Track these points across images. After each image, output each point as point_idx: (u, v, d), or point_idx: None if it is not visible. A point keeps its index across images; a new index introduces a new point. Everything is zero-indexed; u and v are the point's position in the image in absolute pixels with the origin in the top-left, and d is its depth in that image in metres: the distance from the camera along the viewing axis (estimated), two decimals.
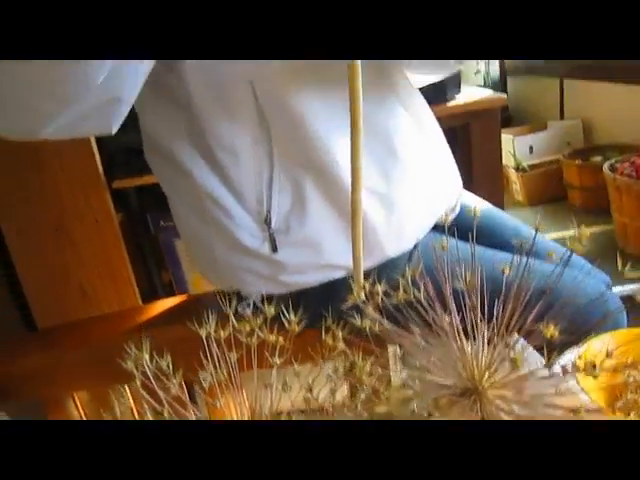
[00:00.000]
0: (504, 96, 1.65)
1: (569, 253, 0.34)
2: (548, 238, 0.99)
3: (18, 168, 1.29)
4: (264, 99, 0.67)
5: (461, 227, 0.89)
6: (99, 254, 1.35)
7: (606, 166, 2.18)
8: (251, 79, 0.65)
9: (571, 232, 2.37)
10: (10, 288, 1.43)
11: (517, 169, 2.68)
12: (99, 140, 1.33)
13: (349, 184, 0.72)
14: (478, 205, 1.00)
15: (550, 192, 2.65)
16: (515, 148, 2.71)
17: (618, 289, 1.81)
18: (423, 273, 0.46)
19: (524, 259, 0.36)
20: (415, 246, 0.80)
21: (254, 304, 0.80)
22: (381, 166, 0.74)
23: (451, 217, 0.91)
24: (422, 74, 0.88)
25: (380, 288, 0.44)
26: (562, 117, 3.01)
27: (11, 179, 1.30)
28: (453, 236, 0.95)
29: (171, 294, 1.64)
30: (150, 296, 1.59)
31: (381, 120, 0.75)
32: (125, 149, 1.39)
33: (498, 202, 1.83)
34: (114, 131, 0.62)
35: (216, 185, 0.73)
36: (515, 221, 0.98)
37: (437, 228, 0.84)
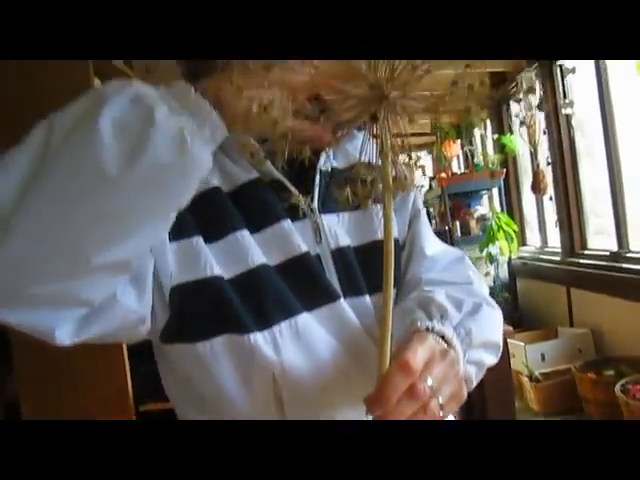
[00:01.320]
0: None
1: None
2: None
3: (53, 384, 1.37)
4: (283, 385, 0.74)
5: None
6: None
7: (618, 387, 2.20)
8: (274, 371, 0.73)
9: None
10: None
11: (530, 378, 2.71)
12: (131, 366, 1.42)
13: None
14: None
15: (565, 403, 2.64)
16: (527, 356, 2.76)
17: None
18: None
19: None
20: None
21: None
22: None
23: None
24: None
25: None
26: (571, 324, 3.10)
27: (46, 392, 1.38)
28: None
29: None
30: None
31: None
32: (154, 375, 1.46)
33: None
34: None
35: None
36: None
37: None
